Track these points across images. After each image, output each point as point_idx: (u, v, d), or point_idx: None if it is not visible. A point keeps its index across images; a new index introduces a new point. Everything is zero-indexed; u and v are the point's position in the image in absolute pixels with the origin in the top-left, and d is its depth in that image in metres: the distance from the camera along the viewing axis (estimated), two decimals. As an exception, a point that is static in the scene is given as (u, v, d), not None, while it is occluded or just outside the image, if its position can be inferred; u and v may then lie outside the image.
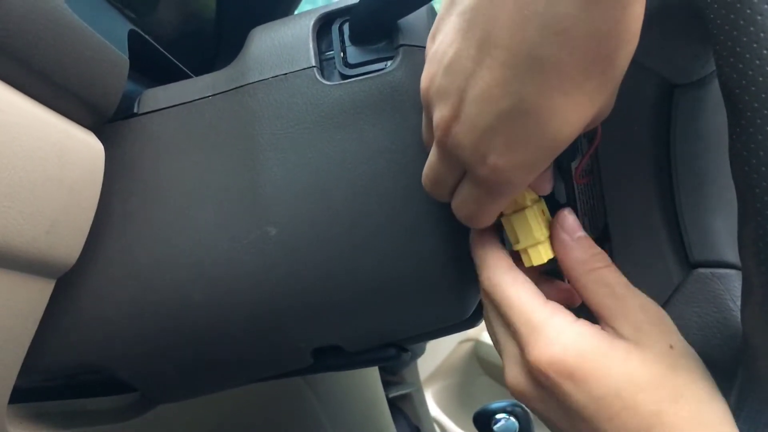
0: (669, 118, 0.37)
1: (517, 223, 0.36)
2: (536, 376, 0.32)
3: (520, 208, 0.36)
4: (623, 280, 0.34)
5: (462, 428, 1.76)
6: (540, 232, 0.36)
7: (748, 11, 0.26)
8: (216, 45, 0.69)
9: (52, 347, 0.42)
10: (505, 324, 0.35)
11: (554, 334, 0.32)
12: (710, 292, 0.37)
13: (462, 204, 0.35)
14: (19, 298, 0.36)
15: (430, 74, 0.32)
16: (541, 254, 0.36)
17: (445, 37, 0.31)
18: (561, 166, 0.37)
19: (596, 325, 0.33)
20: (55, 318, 0.41)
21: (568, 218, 0.35)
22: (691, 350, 0.33)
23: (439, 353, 1.87)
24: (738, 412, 0.34)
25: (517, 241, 0.37)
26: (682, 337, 0.33)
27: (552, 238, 0.36)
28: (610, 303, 0.33)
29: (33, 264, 0.35)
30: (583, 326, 0.32)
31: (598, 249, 0.35)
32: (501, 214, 0.37)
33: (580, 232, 0.35)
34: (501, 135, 0.29)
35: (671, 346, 0.31)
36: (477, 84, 0.29)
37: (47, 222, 0.35)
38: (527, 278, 0.35)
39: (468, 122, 0.30)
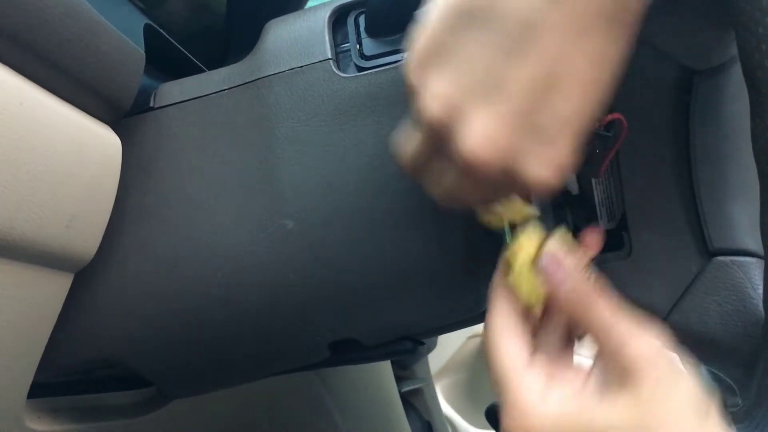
0: (688, 105, 0.37)
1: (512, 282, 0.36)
2: None
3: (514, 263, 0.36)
4: (614, 316, 0.33)
5: (470, 423, 1.76)
6: (531, 294, 0.35)
7: None
8: (227, 39, 0.69)
9: (70, 341, 0.42)
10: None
11: (519, 410, 0.33)
12: (730, 280, 0.36)
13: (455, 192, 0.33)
14: (38, 292, 0.36)
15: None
16: (536, 307, 0.36)
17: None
18: (585, 163, 0.36)
19: (570, 390, 0.34)
20: (73, 312, 0.41)
21: (555, 254, 0.35)
22: (678, 389, 0.32)
23: (447, 349, 1.87)
24: (759, 401, 0.34)
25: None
26: (674, 372, 0.32)
27: (541, 275, 0.35)
28: (599, 343, 0.34)
29: (52, 258, 0.35)
30: (550, 405, 0.33)
31: (589, 286, 0.34)
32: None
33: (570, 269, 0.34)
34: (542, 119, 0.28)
35: (652, 391, 0.31)
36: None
37: (66, 216, 0.35)
38: (519, 338, 0.35)
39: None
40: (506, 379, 0.34)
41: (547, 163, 0.29)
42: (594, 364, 0.34)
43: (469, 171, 0.30)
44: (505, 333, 0.36)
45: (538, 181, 0.29)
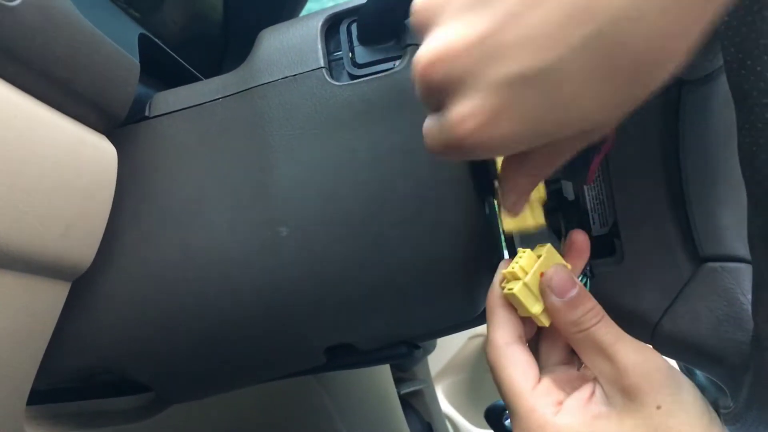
0: (677, 114, 0.37)
1: (512, 300, 0.36)
2: None
3: (516, 279, 0.36)
4: (613, 336, 0.33)
5: (472, 423, 1.76)
6: (534, 306, 0.35)
7: (756, 7, 0.26)
8: (223, 47, 0.69)
9: (68, 349, 0.42)
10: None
11: (533, 429, 0.33)
12: (720, 286, 0.37)
13: (429, 137, 0.30)
14: (35, 301, 0.36)
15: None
16: (543, 322, 0.36)
17: None
18: (573, 168, 0.37)
19: (581, 401, 0.34)
20: (71, 320, 0.41)
21: (556, 277, 0.35)
22: (683, 400, 0.32)
23: (448, 349, 1.87)
24: (749, 405, 0.34)
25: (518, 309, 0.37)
26: (675, 385, 0.32)
27: (542, 297, 0.35)
28: (600, 365, 0.34)
29: (49, 267, 0.36)
30: (564, 417, 0.33)
31: (591, 304, 0.34)
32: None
33: (572, 291, 0.34)
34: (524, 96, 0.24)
35: (658, 407, 0.32)
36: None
37: (62, 226, 0.36)
38: (525, 355, 0.35)
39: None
40: (516, 399, 0.34)
41: (479, 112, 0.25)
42: (596, 378, 0.35)
43: (418, 83, 0.27)
44: (509, 351, 0.36)
45: (456, 127, 0.26)
